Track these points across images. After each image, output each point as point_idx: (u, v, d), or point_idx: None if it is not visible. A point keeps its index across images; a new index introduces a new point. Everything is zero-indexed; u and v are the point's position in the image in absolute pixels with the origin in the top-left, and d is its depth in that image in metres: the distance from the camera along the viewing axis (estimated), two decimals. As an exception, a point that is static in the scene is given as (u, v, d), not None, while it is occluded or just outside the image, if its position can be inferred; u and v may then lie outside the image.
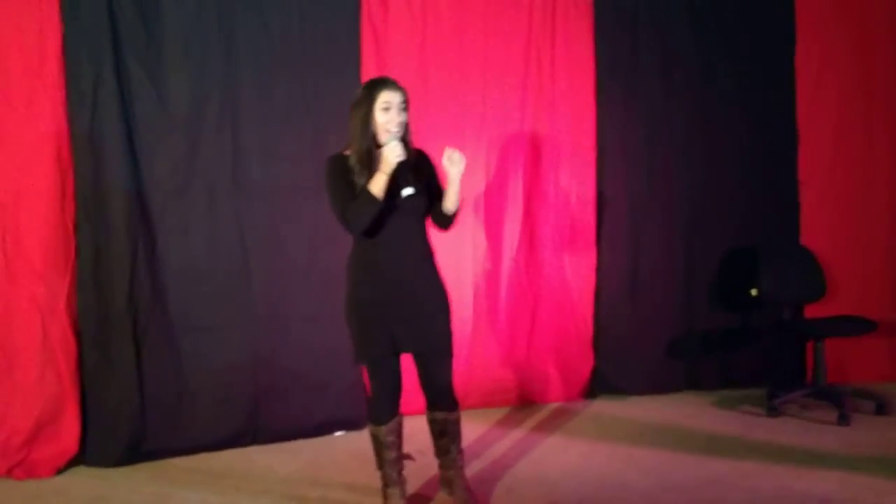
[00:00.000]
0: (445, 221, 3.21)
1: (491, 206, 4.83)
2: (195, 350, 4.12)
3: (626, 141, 5.06)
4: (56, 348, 3.85)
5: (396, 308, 3.06)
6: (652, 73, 5.08)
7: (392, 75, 4.36)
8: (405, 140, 3.02)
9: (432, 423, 3.24)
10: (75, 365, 3.90)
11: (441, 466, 3.32)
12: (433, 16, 4.64)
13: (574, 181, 4.98)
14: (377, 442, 3.19)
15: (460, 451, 3.29)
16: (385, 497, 3.22)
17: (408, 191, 2.99)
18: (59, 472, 3.82)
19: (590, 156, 5.00)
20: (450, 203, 3.11)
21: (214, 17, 4.13)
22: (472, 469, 3.73)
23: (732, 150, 5.20)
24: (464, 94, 4.72)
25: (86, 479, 3.78)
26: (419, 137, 4.03)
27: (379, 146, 2.98)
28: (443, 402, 3.20)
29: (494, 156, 4.83)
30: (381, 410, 3.18)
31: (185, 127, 4.09)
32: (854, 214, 5.33)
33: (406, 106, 3.03)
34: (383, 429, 3.16)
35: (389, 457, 3.19)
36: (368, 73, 4.43)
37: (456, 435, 3.25)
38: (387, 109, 2.98)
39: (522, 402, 4.88)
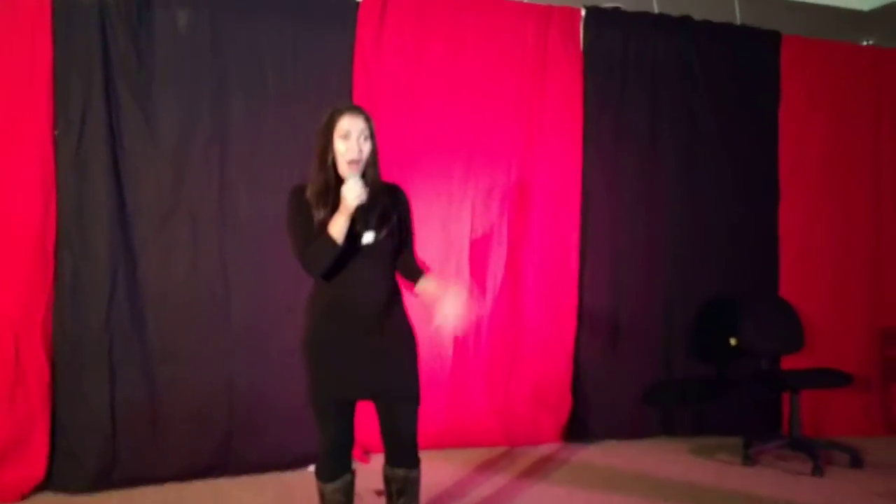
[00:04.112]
0: (412, 280, 2.90)
1: (476, 248, 4.85)
2: (170, 379, 4.08)
3: (610, 188, 5.11)
4: (28, 371, 3.82)
5: (356, 349, 2.73)
6: (639, 123, 5.16)
7: (382, 116, 4.46)
8: (372, 175, 2.75)
9: (391, 480, 2.88)
10: (47, 389, 3.86)
11: None
12: (427, 59, 4.71)
13: (559, 226, 5.01)
14: (322, 499, 2.88)
15: None
16: None
17: (367, 238, 2.70)
18: (25, 497, 3.75)
19: (575, 202, 5.04)
20: (424, 289, 2.84)
21: (207, 46, 4.17)
22: (445, 509, 3.70)
23: (715, 202, 5.27)
24: (453, 136, 4.77)
25: (51, 506, 3.72)
26: (407, 178, 4.07)
27: (341, 180, 2.70)
28: (405, 457, 2.86)
29: (480, 197, 4.86)
30: (328, 466, 2.86)
31: (172, 155, 4.11)
32: (833, 269, 5.41)
33: (370, 135, 2.74)
34: (329, 486, 2.85)
35: None
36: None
37: (415, 496, 2.89)
38: (346, 138, 2.69)
39: (500, 443, 4.85)
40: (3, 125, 3.82)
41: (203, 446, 4.11)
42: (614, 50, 5.12)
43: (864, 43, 5.60)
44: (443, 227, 4.74)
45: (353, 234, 2.68)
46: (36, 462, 3.80)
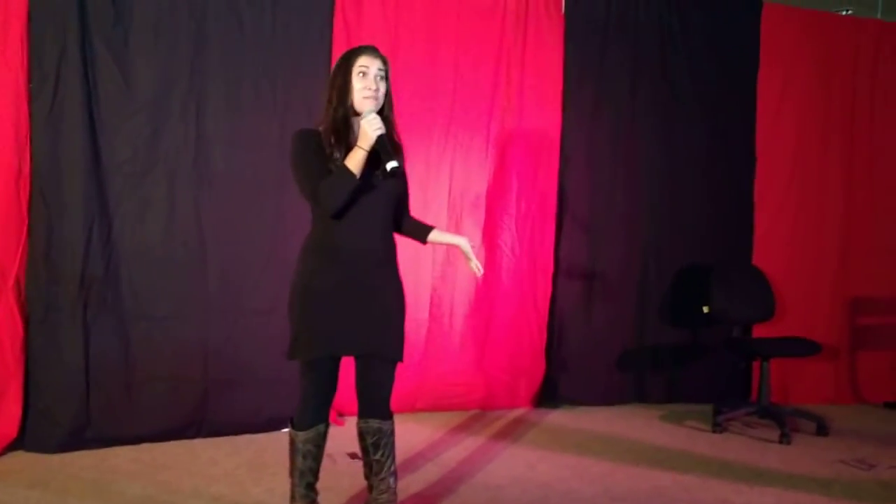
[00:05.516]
0: (419, 236, 3.06)
1: (453, 210, 4.84)
2: (145, 338, 4.05)
3: (589, 153, 5.12)
4: (1, 329, 3.77)
5: (352, 304, 2.75)
6: (618, 88, 5.16)
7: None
8: (386, 116, 2.79)
9: (366, 433, 2.89)
10: (20, 347, 3.82)
11: (372, 489, 2.93)
12: (406, 16, 4.66)
13: (536, 190, 5.02)
14: (292, 446, 2.89)
15: (395, 473, 2.93)
16: None
17: (392, 164, 2.66)
18: (-3, 455, 3.75)
19: (553, 166, 5.04)
20: (437, 240, 3.07)
21: (185, 1, 4.09)
22: (418, 472, 3.74)
23: (692, 169, 5.31)
24: (433, 96, 4.74)
25: (25, 465, 3.69)
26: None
27: (357, 114, 2.75)
28: (379, 409, 2.88)
29: (459, 160, 4.84)
30: (305, 415, 2.86)
31: (149, 111, 4.03)
32: (805, 239, 5.47)
33: (385, 76, 2.79)
34: (301, 435, 2.86)
35: (301, 465, 2.88)
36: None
37: (391, 450, 2.91)
38: (364, 74, 2.74)
39: (473, 406, 4.90)
40: (-25, 79, 3.74)
41: (177, 406, 4.11)
42: (596, 14, 5.10)
43: (843, 13, 5.61)
44: (420, 189, 4.71)
45: (368, 170, 2.69)
46: (9, 421, 3.77)
